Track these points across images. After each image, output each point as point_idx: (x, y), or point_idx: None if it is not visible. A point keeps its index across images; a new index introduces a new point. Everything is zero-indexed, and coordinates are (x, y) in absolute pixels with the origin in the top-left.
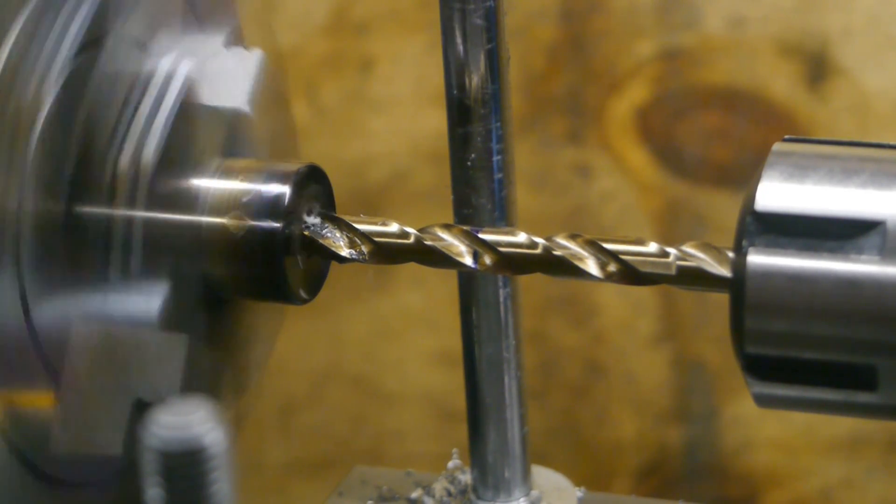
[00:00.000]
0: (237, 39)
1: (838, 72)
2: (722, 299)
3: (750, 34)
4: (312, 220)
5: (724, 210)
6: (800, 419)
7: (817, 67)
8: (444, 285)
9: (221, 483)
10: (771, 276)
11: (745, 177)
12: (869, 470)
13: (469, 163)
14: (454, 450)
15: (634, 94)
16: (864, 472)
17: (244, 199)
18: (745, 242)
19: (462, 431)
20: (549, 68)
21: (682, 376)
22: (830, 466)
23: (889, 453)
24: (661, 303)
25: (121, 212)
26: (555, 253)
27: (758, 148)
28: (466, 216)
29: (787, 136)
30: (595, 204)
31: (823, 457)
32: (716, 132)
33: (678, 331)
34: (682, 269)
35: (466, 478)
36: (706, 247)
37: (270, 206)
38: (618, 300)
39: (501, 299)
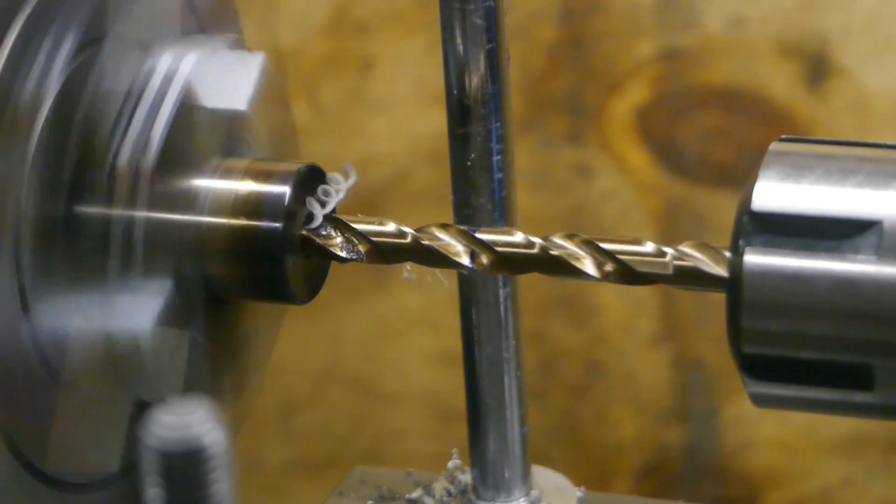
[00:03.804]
0: (237, 39)
1: (838, 72)
2: (722, 299)
3: (750, 34)
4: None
5: (724, 210)
6: (800, 419)
7: (817, 67)
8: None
9: (221, 483)
10: (767, 276)
11: (745, 177)
12: (869, 470)
13: (469, 163)
14: (454, 450)
15: (634, 94)
16: (864, 472)
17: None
18: (741, 242)
19: (462, 431)
20: (549, 68)
21: (682, 376)
22: (830, 466)
23: (889, 453)
24: (661, 303)
25: (121, 212)
26: (552, 253)
27: (758, 148)
28: (466, 216)
29: (783, 136)
30: (595, 204)
31: (823, 457)
32: (716, 132)
33: (678, 331)
34: (679, 269)
35: (466, 478)
36: (703, 246)
37: (270, 206)
38: (618, 300)
39: (501, 299)
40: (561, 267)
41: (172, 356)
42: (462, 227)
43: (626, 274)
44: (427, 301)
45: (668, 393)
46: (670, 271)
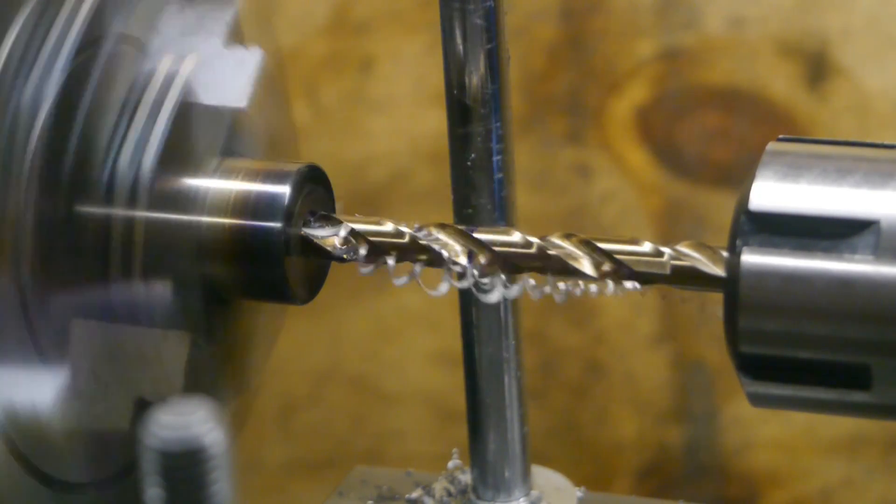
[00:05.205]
0: (237, 39)
1: (838, 72)
2: (722, 299)
3: (750, 34)
4: (310, 220)
5: (724, 210)
6: (800, 419)
7: (817, 67)
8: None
9: (221, 483)
10: (765, 276)
11: (745, 177)
12: (869, 470)
13: (469, 163)
14: (454, 450)
15: (634, 94)
16: (864, 472)
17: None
18: (739, 242)
19: (462, 431)
20: (549, 68)
21: (682, 376)
22: (830, 466)
23: (889, 453)
24: (661, 303)
25: (121, 212)
26: (549, 252)
27: (758, 148)
28: (466, 216)
29: (781, 136)
30: (595, 204)
31: (823, 457)
32: (716, 132)
33: (678, 331)
34: (676, 269)
35: (466, 478)
36: (701, 246)
37: (270, 206)
38: (618, 300)
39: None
40: (558, 267)
41: (173, 356)
42: (460, 227)
43: (624, 274)
44: (427, 301)
45: (668, 393)
46: (668, 271)
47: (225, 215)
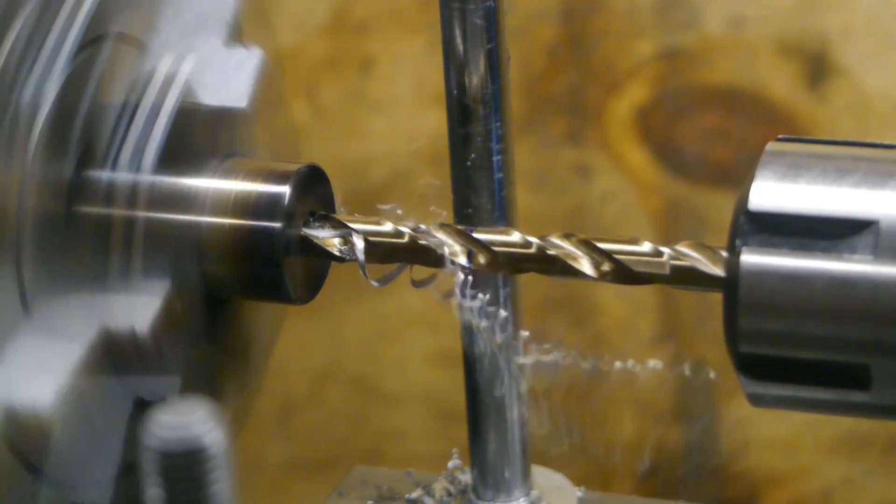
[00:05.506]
0: (237, 39)
1: (838, 72)
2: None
3: (750, 34)
4: (310, 220)
5: (724, 210)
6: (800, 419)
7: (817, 67)
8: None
9: (221, 483)
10: (764, 276)
11: (745, 177)
12: (869, 470)
13: (469, 163)
14: (454, 450)
15: (634, 94)
16: (864, 472)
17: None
18: (738, 242)
19: (462, 431)
20: (549, 68)
21: (682, 376)
22: (830, 466)
23: (889, 453)
24: (661, 303)
25: (121, 212)
26: (549, 252)
27: (758, 148)
28: (466, 216)
29: (780, 136)
30: (595, 204)
31: (823, 457)
32: (716, 132)
33: (678, 331)
34: (675, 269)
35: (466, 478)
36: (700, 246)
37: (270, 207)
38: (618, 300)
39: (501, 299)
40: (558, 267)
41: (173, 356)
42: (459, 227)
43: (623, 274)
44: (427, 301)
45: (668, 393)
46: (667, 271)
47: (225, 215)
